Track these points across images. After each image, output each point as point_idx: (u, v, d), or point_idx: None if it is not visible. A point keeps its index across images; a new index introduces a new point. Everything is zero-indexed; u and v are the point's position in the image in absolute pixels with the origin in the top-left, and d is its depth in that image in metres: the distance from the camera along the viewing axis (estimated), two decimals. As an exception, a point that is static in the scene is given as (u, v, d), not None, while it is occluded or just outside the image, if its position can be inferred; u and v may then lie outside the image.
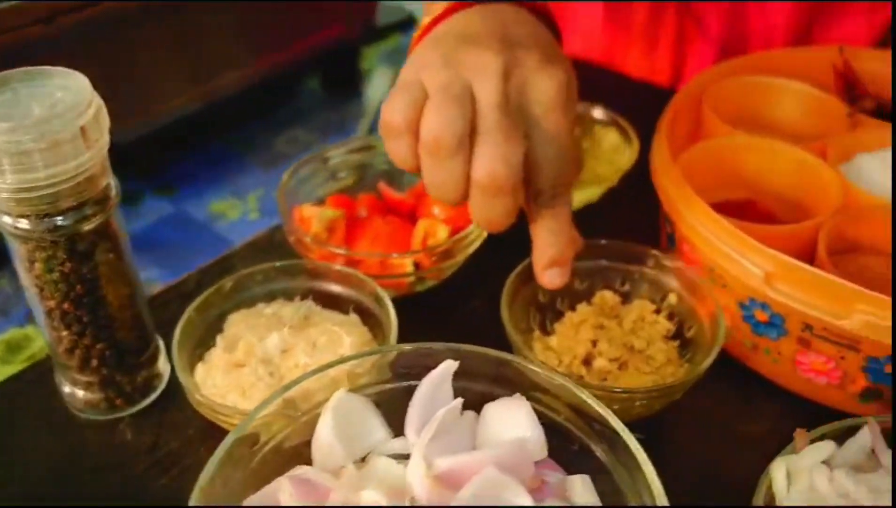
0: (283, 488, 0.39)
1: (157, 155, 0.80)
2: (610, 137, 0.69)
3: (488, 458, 0.38)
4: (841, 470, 0.37)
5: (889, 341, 0.43)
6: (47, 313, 0.46)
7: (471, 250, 0.58)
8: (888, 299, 0.43)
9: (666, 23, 0.83)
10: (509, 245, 0.56)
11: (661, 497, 0.36)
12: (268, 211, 0.73)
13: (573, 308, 0.53)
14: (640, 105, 0.68)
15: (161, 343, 0.53)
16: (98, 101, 0.41)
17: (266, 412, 0.41)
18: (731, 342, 0.53)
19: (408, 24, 1.06)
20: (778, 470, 0.38)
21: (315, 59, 0.84)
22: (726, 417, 0.52)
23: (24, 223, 0.42)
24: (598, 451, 0.41)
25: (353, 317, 0.53)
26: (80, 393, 0.50)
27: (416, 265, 0.57)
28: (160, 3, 0.68)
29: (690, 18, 0.81)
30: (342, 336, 0.49)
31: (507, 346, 0.49)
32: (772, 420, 0.52)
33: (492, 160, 0.41)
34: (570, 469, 0.42)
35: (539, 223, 0.45)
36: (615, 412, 0.45)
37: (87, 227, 0.43)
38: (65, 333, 0.47)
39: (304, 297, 0.54)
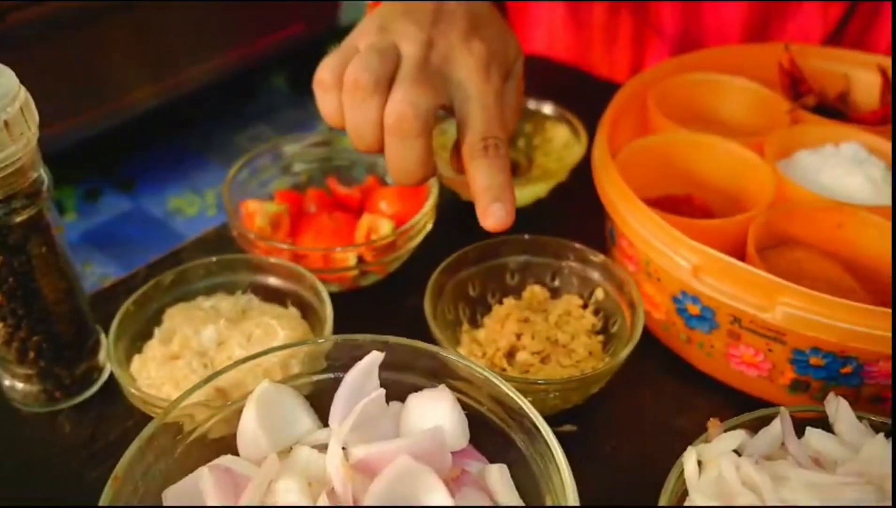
0: (203, 477, 0.39)
1: (118, 151, 0.81)
2: (560, 134, 0.69)
3: (403, 447, 0.38)
4: (748, 458, 0.37)
5: (812, 332, 0.44)
6: (-19, 306, 0.46)
7: (413, 244, 0.58)
8: (810, 292, 0.43)
9: (622, 21, 0.83)
10: (454, 241, 0.57)
11: (569, 486, 0.36)
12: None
13: (502, 303, 0.54)
14: (597, 102, 0.68)
15: (103, 337, 0.54)
16: (24, 95, 0.42)
17: (191, 401, 0.42)
18: (667, 337, 0.54)
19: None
20: (689, 459, 0.39)
21: (279, 57, 0.85)
22: (662, 410, 0.53)
23: (-48, 216, 0.42)
24: (518, 441, 0.41)
25: (293, 311, 0.53)
26: (19, 385, 0.50)
27: (360, 259, 0.57)
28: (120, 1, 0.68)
29: (645, 17, 0.82)
30: (277, 329, 0.49)
31: (442, 339, 0.50)
32: (706, 413, 0.51)
33: (400, 102, 0.44)
34: (493, 458, 0.42)
35: (475, 172, 0.46)
36: (531, 404, 0.46)
37: (17, 219, 0.44)
38: (0, 325, 0.47)
39: (245, 291, 0.54)
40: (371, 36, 0.48)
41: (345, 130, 0.48)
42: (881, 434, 0.38)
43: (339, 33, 0.98)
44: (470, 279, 0.55)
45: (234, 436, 0.42)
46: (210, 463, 0.40)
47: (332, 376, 0.45)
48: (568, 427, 0.51)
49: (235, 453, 0.42)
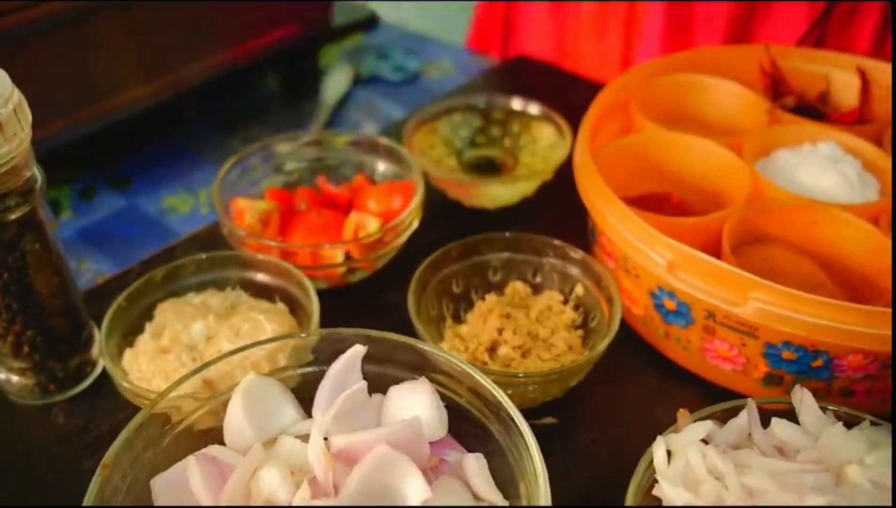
0: (190, 466, 0.41)
1: (113, 150, 0.82)
2: (546, 133, 0.71)
3: (382, 436, 0.40)
4: (714, 447, 0.38)
5: (783, 327, 0.45)
6: (-24, 301, 0.48)
7: (400, 241, 0.60)
8: (780, 288, 0.44)
9: (611, 14, 0.85)
10: (440, 238, 0.58)
11: (541, 475, 0.38)
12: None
13: (485, 299, 0.55)
14: (584, 101, 0.69)
15: (96, 331, 0.55)
16: (17, 95, 0.43)
17: (179, 393, 0.43)
18: (646, 331, 0.55)
19: (369, 22, 1.08)
20: (658, 448, 0.40)
21: (273, 57, 0.86)
22: (640, 402, 0.54)
23: (-53, 214, 0.43)
24: (495, 432, 0.43)
25: (280, 306, 0.55)
26: (15, 379, 0.52)
27: (348, 256, 0.58)
28: (118, 2, 0.70)
29: (633, 10, 0.83)
30: (264, 324, 0.51)
31: (424, 333, 0.51)
32: (683, 405, 0.53)
33: None
34: (472, 448, 0.44)
35: None
36: (511, 397, 0.47)
37: (11, 217, 0.45)
38: (-6, 320, 0.49)
39: (234, 286, 0.56)
40: None
41: None
42: (839, 424, 0.39)
43: (332, 34, 1.00)
44: (454, 276, 0.56)
45: (221, 427, 0.44)
46: (197, 452, 0.41)
47: (317, 369, 0.46)
48: (548, 420, 0.52)
49: (222, 443, 0.43)
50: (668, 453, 0.41)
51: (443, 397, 0.44)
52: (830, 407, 0.42)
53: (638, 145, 0.59)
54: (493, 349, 0.53)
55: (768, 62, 0.67)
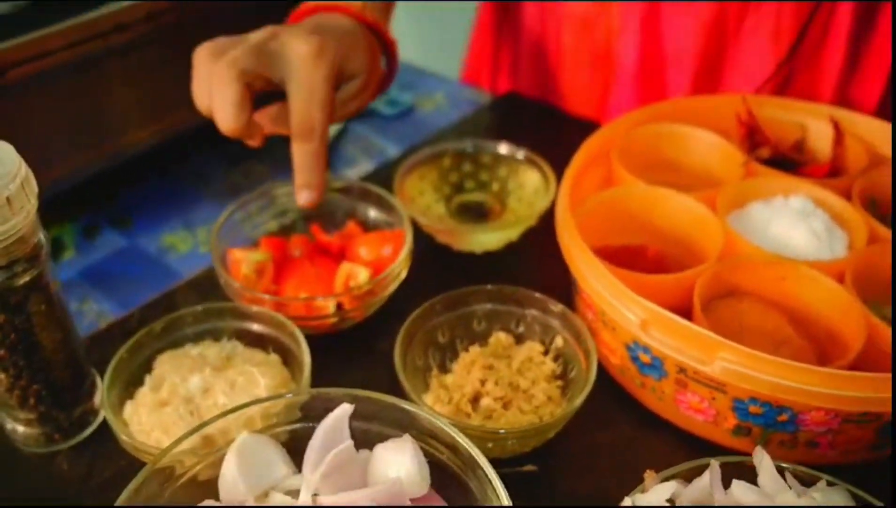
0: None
1: (114, 187, 0.85)
2: (532, 179, 0.73)
3: (366, 496, 0.43)
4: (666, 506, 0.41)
5: (748, 385, 0.48)
6: (-15, 358, 0.50)
7: (388, 291, 0.62)
8: (745, 349, 0.47)
9: (584, 51, 0.88)
10: (428, 286, 0.61)
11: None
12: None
13: (468, 349, 0.58)
14: (569, 139, 0.72)
15: (98, 379, 0.58)
16: (24, 170, 0.46)
17: (181, 449, 0.46)
18: (623, 380, 0.57)
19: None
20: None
21: (270, 93, 0.89)
22: (618, 449, 0.57)
23: (-42, 281, 0.46)
24: (472, 487, 0.45)
25: (274, 357, 0.57)
26: (21, 429, 0.54)
27: (339, 306, 0.61)
28: (117, 46, 0.72)
29: (607, 48, 0.86)
30: (258, 378, 0.53)
31: (410, 385, 0.54)
32: (659, 452, 0.56)
33: (225, 59, 0.56)
34: (452, 502, 0.46)
35: (295, 153, 0.59)
36: (491, 449, 0.50)
37: (19, 282, 0.48)
38: (2, 376, 0.51)
39: (230, 337, 0.58)
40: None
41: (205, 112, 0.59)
42: (793, 490, 0.41)
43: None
44: (439, 327, 0.59)
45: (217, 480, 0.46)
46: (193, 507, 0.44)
47: (307, 424, 0.48)
48: (529, 467, 0.55)
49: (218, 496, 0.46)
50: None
51: (425, 452, 0.46)
52: (789, 467, 0.44)
53: (617, 199, 0.62)
54: (475, 400, 0.55)
55: (745, 112, 0.70)
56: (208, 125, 0.85)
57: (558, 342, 0.58)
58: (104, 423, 0.57)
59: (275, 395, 0.48)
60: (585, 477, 0.55)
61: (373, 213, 0.70)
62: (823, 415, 0.48)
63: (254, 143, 0.59)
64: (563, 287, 0.64)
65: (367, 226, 0.70)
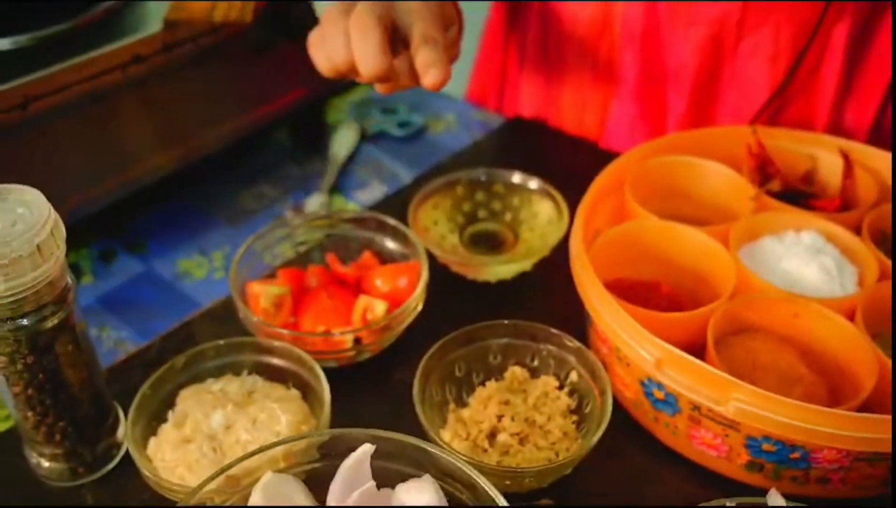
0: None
1: (130, 212, 0.86)
2: (545, 209, 0.74)
3: (392, 538, 0.43)
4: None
5: (761, 425, 0.49)
6: (14, 397, 0.51)
7: (405, 324, 0.63)
8: (759, 391, 0.48)
9: (592, 65, 0.89)
10: (443, 316, 0.62)
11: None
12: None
13: (485, 383, 0.59)
14: (581, 166, 0.73)
15: (121, 413, 0.59)
16: (54, 215, 0.47)
17: (208, 488, 0.47)
18: (637, 414, 0.58)
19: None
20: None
21: (283, 118, 0.90)
22: (633, 482, 0.57)
23: (-11, 325, 0.47)
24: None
25: (294, 392, 0.58)
26: (46, 464, 0.55)
27: (357, 340, 0.62)
28: (134, 77, 0.74)
29: (611, 64, 0.87)
30: (279, 414, 0.54)
31: (428, 421, 0.55)
32: (673, 485, 0.57)
33: (358, 9, 0.58)
34: (472, 542, 0.47)
35: (418, 56, 0.58)
36: (509, 486, 0.51)
37: (48, 325, 0.49)
38: (30, 414, 0.52)
39: (250, 371, 0.59)
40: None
41: (335, 77, 0.62)
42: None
43: (338, 91, 1.04)
44: (456, 361, 0.60)
45: (242, 520, 0.47)
46: (219, 551, 0.45)
47: (328, 463, 0.49)
48: (545, 502, 0.56)
49: (244, 535, 0.47)
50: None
51: (444, 492, 0.47)
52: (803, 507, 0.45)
53: (631, 233, 0.63)
54: (492, 435, 0.56)
55: (755, 143, 0.71)
56: (221, 150, 0.87)
57: (573, 376, 0.59)
58: (127, 456, 0.58)
59: (298, 436, 0.49)
60: (602, 511, 0.56)
61: (389, 243, 0.71)
62: (835, 454, 0.49)
63: (390, 88, 0.63)
64: (577, 318, 0.65)
65: (383, 257, 0.71)
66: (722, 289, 0.58)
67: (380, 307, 0.63)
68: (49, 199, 0.48)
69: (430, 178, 0.77)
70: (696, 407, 0.52)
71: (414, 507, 0.46)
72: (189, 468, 0.52)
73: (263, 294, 0.63)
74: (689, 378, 0.50)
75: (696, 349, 0.54)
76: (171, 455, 0.53)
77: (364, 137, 0.99)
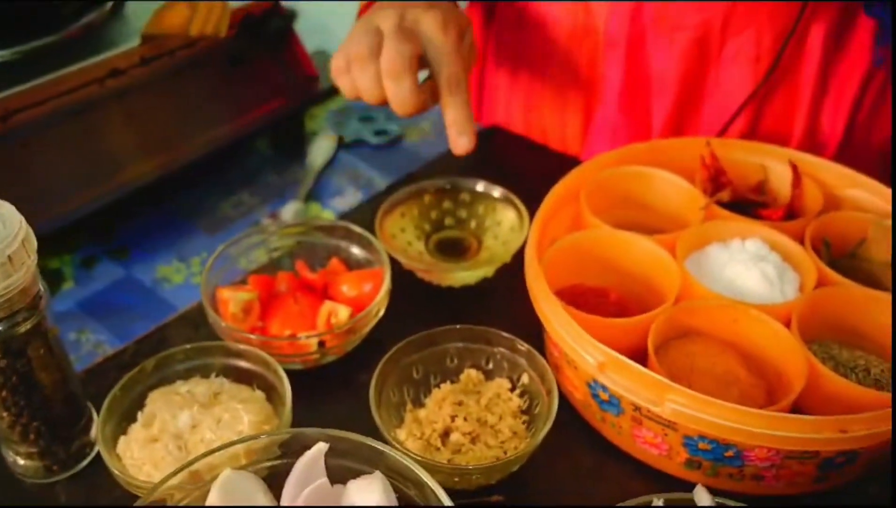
0: (174, 554, 0.47)
1: (112, 220, 0.89)
2: (508, 217, 0.77)
3: (339, 531, 0.46)
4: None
5: (695, 425, 0.51)
6: (-12, 399, 0.54)
7: (368, 328, 0.66)
8: (692, 393, 0.51)
9: (574, 72, 0.91)
10: (407, 320, 0.65)
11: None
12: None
13: (440, 385, 0.61)
14: (546, 175, 0.75)
15: (94, 414, 0.61)
16: (25, 227, 0.49)
17: (171, 484, 0.49)
18: (586, 414, 0.61)
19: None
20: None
21: (262, 128, 0.93)
22: (581, 479, 0.60)
23: (-38, 331, 0.50)
24: (438, 521, 0.49)
25: (258, 394, 0.61)
26: (21, 461, 0.58)
27: (321, 343, 0.65)
28: (113, 90, 0.76)
29: (594, 69, 0.89)
30: (242, 415, 0.57)
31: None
32: (619, 482, 0.60)
33: (388, 53, 0.63)
34: (419, 535, 0.50)
35: (445, 108, 0.67)
36: (458, 482, 0.53)
37: (21, 330, 0.51)
38: (5, 414, 0.55)
39: (218, 374, 0.62)
40: (358, 28, 0.67)
41: (360, 100, 0.67)
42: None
43: (316, 100, 1.07)
44: (414, 364, 0.62)
45: (203, 514, 0.50)
46: (179, 543, 0.48)
47: (287, 461, 0.52)
48: (496, 498, 0.58)
49: (204, 529, 0.50)
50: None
51: (395, 488, 0.50)
52: (729, 503, 0.48)
53: (583, 242, 0.66)
54: (445, 435, 0.59)
55: (709, 155, 0.73)
56: (201, 160, 0.90)
57: (524, 379, 0.61)
58: (100, 455, 0.60)
59: (257, 434, 0.52)
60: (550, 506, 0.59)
61: (355, 250, 0.73)
62: (766, 452, 0.52)
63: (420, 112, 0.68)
64: (536, 322, 0.67)
65: (350, 264, 0.73)
66: (668, 296, 0.61)
67: (343, 312, 0.66)
68: (31, 208, 0.51)
69: (402, 186, 0.80)
70: (637, 408, 0.54)
71: None
72: (155, 465, 0.55)
73: (232, 300, 0.66)
74: (628, 381, 0.53)
75: (641, 354, 0.57)
76: (139, 454, 0.56)
77: (342, 146, 1.02)
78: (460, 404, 0.60)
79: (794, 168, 0.72)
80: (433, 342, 0.63)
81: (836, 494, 0.58)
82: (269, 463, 0.53)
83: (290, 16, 1.03)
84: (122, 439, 0.57)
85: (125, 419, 0.59)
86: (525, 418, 0.60)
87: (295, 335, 0.65)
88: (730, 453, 0.53)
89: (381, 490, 0.49)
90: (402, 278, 0.75)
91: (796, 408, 0.56)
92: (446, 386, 0.62)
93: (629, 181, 0.73)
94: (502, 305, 0.74)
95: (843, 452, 0.52)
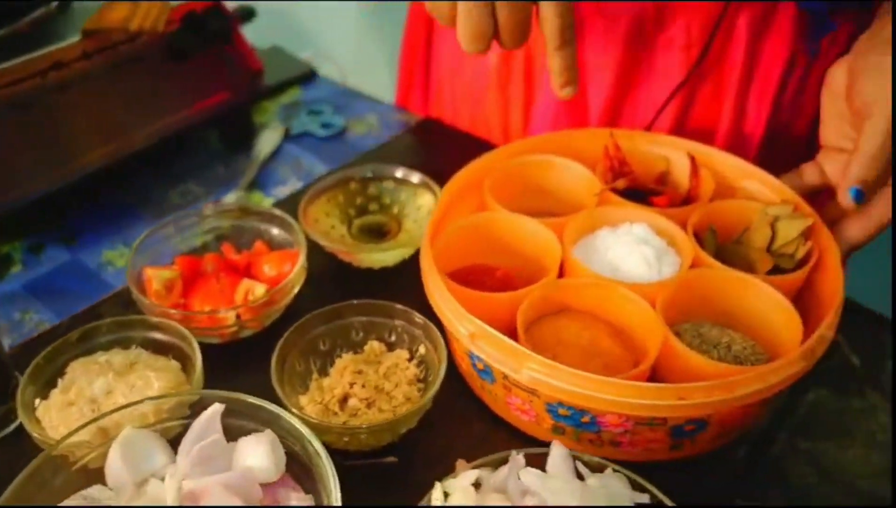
0: (71, 503, 0.52)
1: (62, 208, 0.94)
2: (427, 202, 0.82)
3: (219, 481, 0.51)
4: (469, 491, 0.50)
5: (550, 392, 0.56)
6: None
7: (284, 302, 0.71)
8: (547, 361, 0.55)
9: (513, 68, 0.95)
10: (329, 299, 0.69)
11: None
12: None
13: (342, 356, 0.67)
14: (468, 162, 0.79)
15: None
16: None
17: (76, 440, 0.55)
18: (472, 383, 0.66)
19: (307, 77, 1.19)
20: (437, 490, 0.51)
21: (209, 120, 0.98)
22: (469, 445, 0.65)
23: None
24: (315, 474, 0.54)
25: (174, 363, 0.66)
26: (-48, 425, 0.64)
27: (239, 317, 0.70)
28: (55, 83, 0.81)
29: (533, 62, 0.93)
30: (153, 382, 0.62)
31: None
32: (499, 447, 0.64)
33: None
34: (305, 488, 0.55)
35: (553, 60, 0.61)
36: (349, 442, 0.58)
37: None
38: (-67, 379, 0.60)
39: (138, 346, 0.67)
40: None
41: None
42: (558, 474, 0.50)
43: (270, 90, 1.12)
44: (320, 337, 0.68)
45: (106, 469, 0.55)
46: (80, 492, 0.53)
47: (192, 421, 0.57)
48: (390, 459, 0.64)
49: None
50: (447, 494, 0.52)
51: (284, 445, 0.55)
52: (585, 457, 0.53)
53: (481, 224, 0.71)
54: (344, 400, 0.64)
55: (612, 145, 0.78)
56: (148, 150, 0.94)
57: (422, 349, 0.67)
58: (25, 421, 0.66)
59: (160, 395, 0.57)
60: (436, 469, 0.63)
61: (279, 234, 0.79)
62: (617, 419, 0.57)
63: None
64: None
65: (273, 246, 0.79)
66: (550, 275, 0.66)
67: (259, 289, 0.71)
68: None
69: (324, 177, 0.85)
70: (505, 376, 0.59)
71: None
72: (69, 427, 0.60)
73: (155, 278, 0.71)
74: (495, 350, 0.58)
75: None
76: (55, 417, 0.61)
77: (288, 138, 1.07)
78: (360, 372, 0.65)
79: (693, 159, 0.77)
80: (339, 316, 0.68)
81: (706, 458, 0.63)
82: (177, 423, 0.58)
83: (247, 14, 1.08)
84: (43, 404, 0.63)
85: (47, 386, 0.64)
86: (421, 386, 0.65)
87: (214, 310, 0.70)
88: (586, 419, 0.58)
89: (268, 445, 0.54)
90: (327, 261, 0.81)
91: (659, 381, 0.60)
92: (348, 356, 0.67)
93: (532, 169, 0.77)
94: (417, 284, 0.79)
95: (691, 420, 0.57)
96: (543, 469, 0.53)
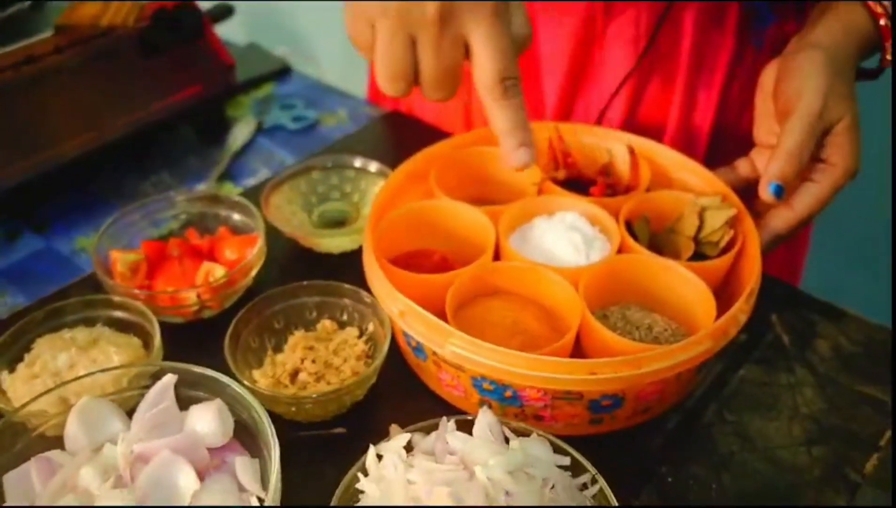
0: (31, 465, 0.57)
1: (37, 196, 0.98)
2: (381, 191, 0.86)
3: (166, 444, 0.56)
4: (400, 454, 0.55)
5: (471, 367, 0.60)
6: None
7: (243, 283, 0.76)
8: (467, 337, 0.59)
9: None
10: (292, 278, 0.74)
11: (274, 474, 0.54)
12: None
13: (294, 334, 0.71)
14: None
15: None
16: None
17: (34, 408, 0.59)
18: (410, 360, 0.71)
19: (283, 73, 1.24)
20: (370, 453, 0.56)
21: (182, 113, 1.02)
22: (408, 419, 0.69)
23: None
24: (260, 441, 0.59)
25: (135, 340, 0.71)
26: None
27: (199, 297, 0.75)
28: (28, 76, 0.86)
29: None
30: (113, 356, 0.67)
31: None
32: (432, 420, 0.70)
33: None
34: (252, 453, 0.60)
35: (494, 115, 0.57)
36: (296, 413, 0.63)
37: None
38: None
39: (102, 324, 0.72)
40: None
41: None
42: (476, 437, 0.55)
43: (244, 85, 1.17)
44: (275, 315, 0.72)
45: (65, 436, 0.60)
46: (37, 456, 0.58)
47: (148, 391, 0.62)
48: (338, 430, 0.68)
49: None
50: (381, 457, 0.57)
51: (234, 413, 0.60)
52: (512, 423, 0.58)
53: (420, 211, 0.75)
54: (295, 374, 0.69)
55: (556, 137, 0.83)
56: (122, 143, 0.99)
57: (370, 327, 0.71)
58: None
59: (121, 365, 0.62)
60: (381, 439, 0.67)
61: (241, 219, 0.83)
62: (535, 393, 0.61)
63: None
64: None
65: (236, 231, 0.83)
66: (484, 259, 0.70)
67: (219, 271, 0.76)
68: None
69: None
70: (434, 352, 0.64)
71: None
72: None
73: (120, 260, 0.76)
74: (422, 327, 0.62)
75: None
76: (21, 389, 0.66)
77: (261, 131, 1.11)
78: (311, 348, 0.70)
79: (632, 151, 0.81)
80: (292, 296, 0.73)
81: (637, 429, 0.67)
82: (136, 392, 0.63)
83: (225, 11, 1.13)
84: (10, 377, 0.67)
85: (14, 361, 0.69)
86: (369, 361, 0.70)
87: (177, 290, 0.75)
88: (508, 393, 0.63)
89: (216, 412, 0.59)
90: (288, 247, 0.86)
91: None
92: (300, 333, 0.72)
93: (477, 159, 0.82)
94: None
95: (606, 395, 0.62)
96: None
